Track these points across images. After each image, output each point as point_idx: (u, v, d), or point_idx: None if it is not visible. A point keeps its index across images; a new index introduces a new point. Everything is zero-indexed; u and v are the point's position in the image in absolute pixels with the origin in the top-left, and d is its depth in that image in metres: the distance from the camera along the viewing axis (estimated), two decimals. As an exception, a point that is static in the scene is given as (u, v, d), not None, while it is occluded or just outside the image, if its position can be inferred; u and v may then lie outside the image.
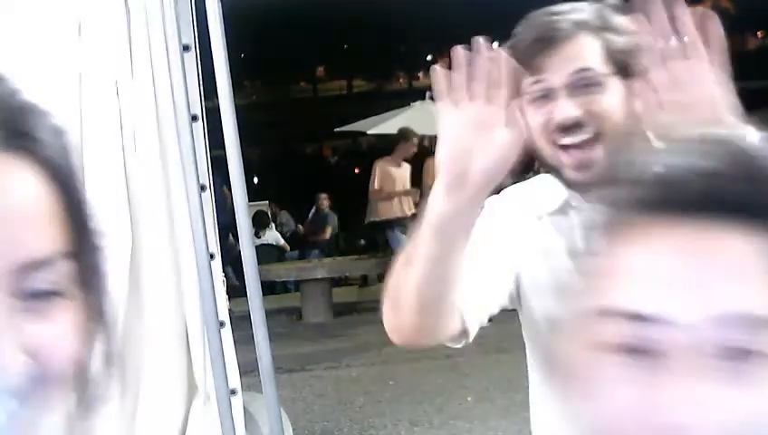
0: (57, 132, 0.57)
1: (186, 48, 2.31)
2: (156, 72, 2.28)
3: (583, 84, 1.30)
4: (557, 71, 1.30)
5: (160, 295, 2.31)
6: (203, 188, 2.32)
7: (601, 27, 1.32)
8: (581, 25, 1.31)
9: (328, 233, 11.53)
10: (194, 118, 2.31)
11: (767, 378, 0.56)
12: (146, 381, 2.28)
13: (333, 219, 11.89)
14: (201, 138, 2.38)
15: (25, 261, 0.52)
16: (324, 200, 12.07)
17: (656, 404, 0.56)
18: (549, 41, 1.31)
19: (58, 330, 0.54)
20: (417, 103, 12.12)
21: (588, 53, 1.31)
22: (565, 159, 1.31)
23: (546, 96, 1.31)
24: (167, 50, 2.27)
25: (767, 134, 0.64)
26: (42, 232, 0.53)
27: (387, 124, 11.30)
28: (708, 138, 0.62)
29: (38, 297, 0.53)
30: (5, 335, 0.50)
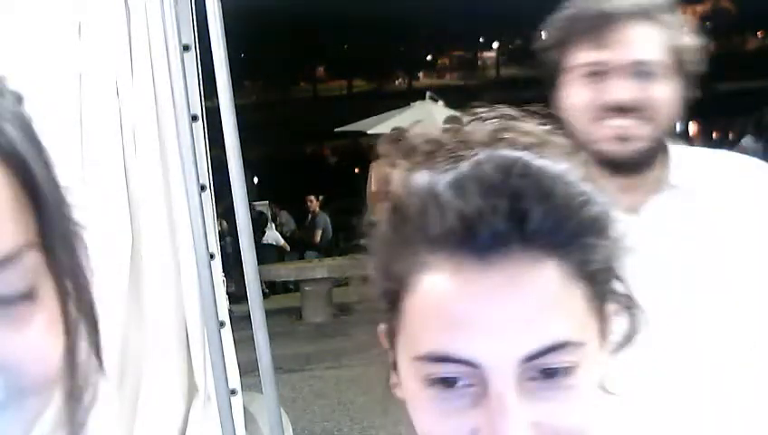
0: (11, 102, 0.51)
1: (186, 48, 2.31)
2: (156, 72, 2.28)
3: (643, 71, 1.29)
4: (620, 50, 1.29)
5: (160, 296, 2.31)
6: (203, 188, 2.32)
7: (663, 20, 1.31)
8: (646, 13, 1.31)
9: (318, 237, 11.44)
10: (194, 118, 2.30)
11: (576, 383, 0.59)
12: (146, 381, 2.28)
13: (322, 222, 11.74)
14: (201, 138, 2.38)
15: None
16: (310, 203, 11.98)
17: (474, 430, 0.59)
18: (614, 19, 1.29)
19: (30, 334, 0.49)
20: (418, 103, 12.12)
21: (650, 41, 1.30)
22: (608, 131, 1.29)
23: (602, 73, 1.30)
24: (167, 50, 2.27)
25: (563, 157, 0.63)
26: (2, 225, 0.47)
27: (387, 124, 11.30)
28: (500, 164, 0.60)
29: (6, 302, 0.48)
30: None
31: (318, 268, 8.74)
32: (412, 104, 12.18)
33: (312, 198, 12.06)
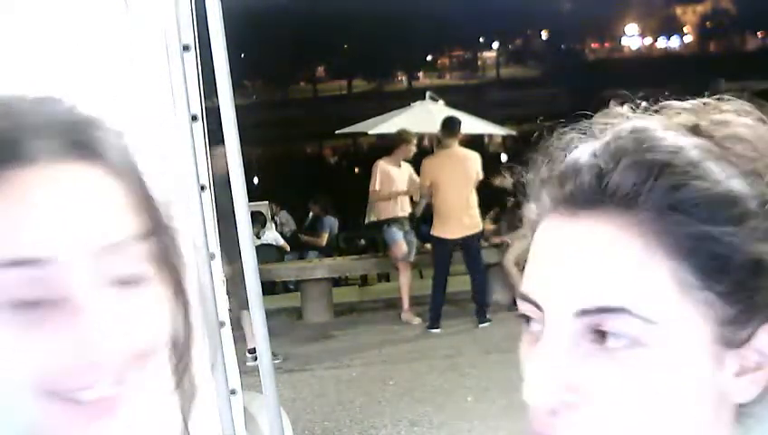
0: (117, 135, 0.67)
1: (186, 48, 2.31)
2: (156, 72, 2.28)
3: None
4: None
5: (160, 295, 2.31)
6: (203, 188, 2.32)
7: None
8: None
9: (324, 240, 11.43)
10: (194, 118, 2.31)
11: (639, 365, 0.57)
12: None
13: (328, 224, 11.70)
14: (201, 138, 2.38)
15: (105, 245, 0.60)
16: (314, 207, 11.95)
17: (531, 374, 0.60)
18: None
19: (148, 306, 0.62)
20: (418, 103, 12.14)
21: None
22: None
23: None
24: (167, 50, 2.27)
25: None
26: (115, 219, 0.62)
27: (387, 124, 11.32)
28: (624, 130, 0.62)
29: (125, 282, 0.61)
30: (106, 316, 0.58)
31: (318, 268, 8.75)
32: (412, 104, 12.20)
33: (313, 201, 12.04)
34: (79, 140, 0.63)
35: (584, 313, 0.58)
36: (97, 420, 0.59)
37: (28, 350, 0.57)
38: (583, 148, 0.63)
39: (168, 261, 0.66)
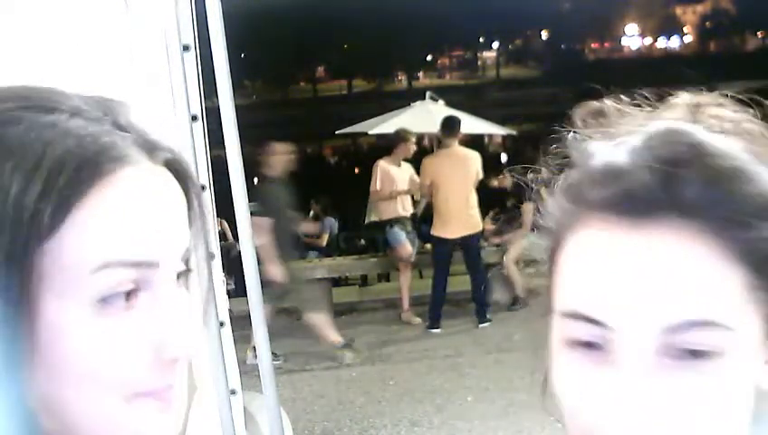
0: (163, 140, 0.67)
1: (186, 48, 2.31)
2: (156, 72, 2.28)
3: None
4: None
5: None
6: (203, 187, 2.32)
7: None
8: None
9: (325, 241, 11.42)
10: (194, 118, 2.31)
11: (719, 374, 0.57)
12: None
13: (329, 225, 11.68)
14: (201, 138, 2.38)
15: (182, 250, 0.63)
16: (315, 206, 11.94)
17: (607, 400, 0.57)
18: None
19: (188, 301, 0.65)
20: (418, 103, 12.14)
21: None
22: None
23: None
24: (167, 50, 2.27)
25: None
26: (184, 223, 0.64)
27: (387, 124, 11.31)
28: (664, 132, 0.61)
29: (181, 283, 0.64)
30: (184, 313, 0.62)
31: (318, 268, 8.74)
32: (412, 104, 12.20)
33: (313, 201, 12.03)
34: (156, 144, 0.64)
35: (671, 329, 0.56)
36: (168, 413, 0.61)
37: (123, 349, 0.58)
38: (614, 150, 0.61)
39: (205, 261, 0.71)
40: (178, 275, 0.63)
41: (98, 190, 0.57)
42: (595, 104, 0.70)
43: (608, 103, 0.69)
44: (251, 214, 2.48)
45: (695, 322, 0.56)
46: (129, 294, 0.59)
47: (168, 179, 0.63)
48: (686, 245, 0.56)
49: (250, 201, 2.49)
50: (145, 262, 0.59)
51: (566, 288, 0.61)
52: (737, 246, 0.57)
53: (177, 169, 0.65)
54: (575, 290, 0.60)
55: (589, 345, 0.59)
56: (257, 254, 2.47)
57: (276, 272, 6.40)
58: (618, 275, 0.57)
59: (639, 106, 0.68)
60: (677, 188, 0.57)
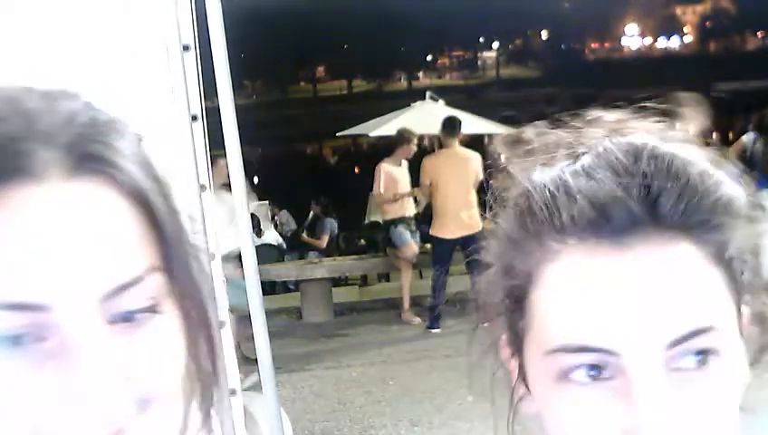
0: (133, 143, 0.57)
1: (186, 48, 2.31)
2: (156, 73, 2.28)
3: None
4: None
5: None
6: (203, 187, 2.32)
7: None
8: None
9: (325, 242, 11.40)
10: (194, 118, 2.31)
11: (720, 370, 0.58)
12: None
13: (329, 226, 11.66)
14: (201, 138, 2.38)
15: (117, 284, 0.51)
16: (315, 206, 11.93)
17: (626, 427, 0.57)
18: None
19: (156, 346, 0.54)
20: (418, 103, 12.14)
21: None
22: None
23: None
24: (167, 50, 2.27)
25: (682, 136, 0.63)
26: (130, 253, 0.53)
27: (389, 126, 11.31)
28: (625, 148, 0.60)
29: (132, 319, 0.53)
30: (107, 364, 0.50)
31: (318, 268, 8.74)
32: (412, 105, 12.20)
33: (314, 202, 12.01)
34: (95, 151, 0.52)
35: (676, 342, 0.56)
36: None
37: (24, 395, 0.50)
38: (571, 173, 0.60)
39: (185, 290, 0.58)
40: (127, 315, 0.52)
41: None
42: (513, 133, 0.70)
43: (526, 130, 0.69)
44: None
45: (696, 330, 0.56)
46: (22, 339, 0.49)
47: (94, 196, 0.51)
48: (672, 256, 0.57)
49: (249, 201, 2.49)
50: (30, 305, 0.49)
51: (556, 324, 0.59)
52: (713, 248, 0.58)
53: (126, 180, 0.53)
54: (568, 323, 0.58)
55: (589, 376, 0.58)
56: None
57: None
58: (614, 299, 0.56)
59: (557, 128, 0.67)
60: (652, 203, 0.57)
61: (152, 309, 0.54)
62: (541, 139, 0.67)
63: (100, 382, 0.50)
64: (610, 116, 0.66)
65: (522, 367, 0.65)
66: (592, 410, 0.58)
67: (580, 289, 0.57)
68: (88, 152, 0.52)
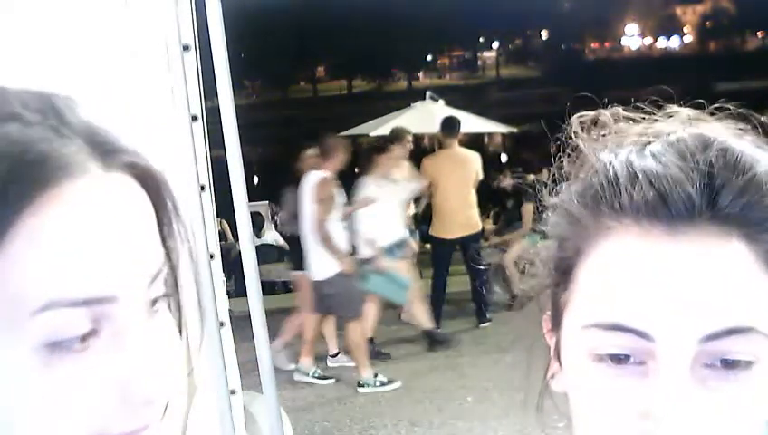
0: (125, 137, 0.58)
1: (186, 48, 2.31)
2: (156, 73, 2.28)
3: None
4: None
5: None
6: (203, 188, 2.32)
7: None
8: None
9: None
10: (194, 118, 2.31)
11: (753, 381, 0.56)
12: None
13: None
14: (201, 138, 2.38)
15: (156, 270, 0.53)
16: None
17: (643, 412, 0.56)
18: None
19: (168, 334, 0.55)
20: (418, 103, 12.14)
21: None
22: None
23: None
24: (167, 50, 2.27)
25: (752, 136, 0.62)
26: (157, 241, 0.55)
27: (389, 126, 11.30)
28: (695, 139, 0.60)
29: (157, 310, 0.54)
30: (154, 352, 0.52)
31: (318, 268, 8.72)
32: (413, 105, 12.20)
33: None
34: (113, 142, 0.53)
35: (710, 337, 0.55)
36: None
37: (80, 397, 0.49)
38: (640, 156, 0.60)
39: (176, 282, 0.58)
40: (153, 302, 0.53)
41: (35, 212, 0.47)
42: (589, 114, 0.69)
43: (603, 113, 0.69)
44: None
45: (734, 329, 0.55)
46: (85, 335, 0.49)
47: (128, 188, 0.53)
48: (723, 251, 0.56)
49: (250, 201, 2.49)
50: (99, 298, 0.49)
51: (597, 300, 0.59)
52: (766, 250, 0.57)
53: (140, 172, 0.54)
54: (611, 301, 0.58)
55: (620, 358, 0.58)
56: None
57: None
58: (660, 284, 0.56)
59: (632, 119, 0.67)
60: (713, 194, 0.56)
61: (165, 297, 0.55)
62: (616, 123, 0.67)
63: (150, 371, 0.51)
64: (687, 111, 0.66)
65: (558, 342, 0.66)
66: (615, 390, 0.58)
67: (625, 269, 0.57)
68: (109, 144, 0.53)
